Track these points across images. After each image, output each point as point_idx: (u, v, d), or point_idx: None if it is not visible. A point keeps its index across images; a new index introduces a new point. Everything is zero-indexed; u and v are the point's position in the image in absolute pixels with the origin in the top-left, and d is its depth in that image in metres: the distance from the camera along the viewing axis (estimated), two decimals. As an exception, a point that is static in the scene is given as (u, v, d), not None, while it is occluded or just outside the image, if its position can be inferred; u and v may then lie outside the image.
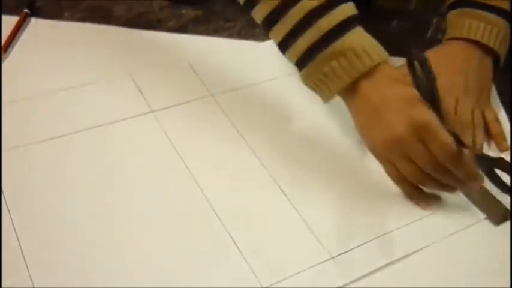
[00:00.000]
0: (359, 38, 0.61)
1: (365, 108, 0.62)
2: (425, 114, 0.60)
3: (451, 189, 0.64)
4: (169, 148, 0.68)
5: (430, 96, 0.61)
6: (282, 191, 0.65)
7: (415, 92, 0.61)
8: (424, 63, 0.59)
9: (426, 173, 0.61)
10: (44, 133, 0.67)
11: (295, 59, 0.62)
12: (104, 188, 0.63)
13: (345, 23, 0.60)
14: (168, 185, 0.64)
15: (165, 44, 0.81)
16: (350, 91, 0.62)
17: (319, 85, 0.62)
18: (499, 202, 0.66)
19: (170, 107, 0.72)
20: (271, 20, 0.62)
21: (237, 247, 0.59)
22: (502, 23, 0.73)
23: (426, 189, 0.65)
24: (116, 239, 0.59)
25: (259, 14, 0.63)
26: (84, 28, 0.82)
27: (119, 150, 0.67)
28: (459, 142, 0.61)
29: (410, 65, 0.61)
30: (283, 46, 0.63)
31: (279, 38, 0.63)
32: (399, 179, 0.63)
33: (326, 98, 0.64)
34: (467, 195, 0.65)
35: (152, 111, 0.71)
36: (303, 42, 0.61)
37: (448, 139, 0.59)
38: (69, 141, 0.67)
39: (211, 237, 0.60)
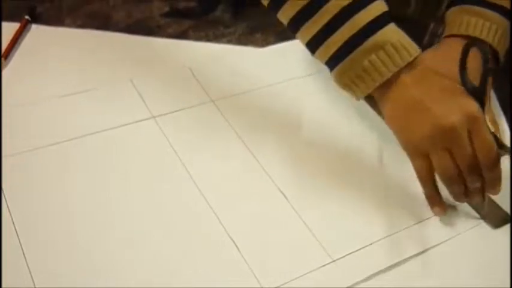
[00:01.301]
0: (395, 33, 0.61)
1: (404, 101, 0.61)
2: (476, 106, 0.59)
3: (466, 197, 0.63)
4: (170, 153, 0.68)
5: (478, 92, 0.60)
6: (283, 194, 0.65)
7: (460, 86, 0.61)
8: (486, 57, 0.58)
9: (458, 171, 0.60)
10: (45, 139, 0.67)
11: (328, 55, 0.61)
12: (105, 193, 0.63)
13: (380, 18, 0.60)
14: (169, 190, 0.64)
15: (165, 50, 0.82)
16: (387, 85, 0.61)
17: (356, 81, 0.62)
18: (497, 205, 0.66)
19: (171, 112, 0.72)
20: (301, 18, 0.61)
21: (239, 251, 0.59)
22: (501, 20, 0.72)
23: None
24: (116, 243, 0.59)
25: (286, 13, 0.62)
26: (85, 34, 0.82)
27: (120, 155, 0.67)
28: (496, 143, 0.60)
29: (464, 57, 0.61)
30: (314, 44, 0.62)
31: (309, 36, 0.62)
32: (427, 176, 0.62)
33: (361, 94, 0.63)
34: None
35: (153, 117, 0.72)
36: (338, 38, 0.60)
37: (491, 137, 0.59)
38: (70, 147, 0.67)
39: (212, 241, 0.60)
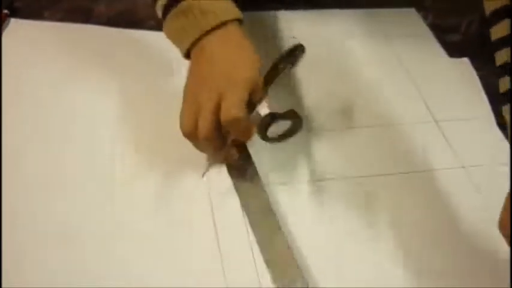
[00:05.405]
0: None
1: (201, 60, 0.63)
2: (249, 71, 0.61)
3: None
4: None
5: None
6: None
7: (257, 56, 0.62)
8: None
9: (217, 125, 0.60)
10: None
11: (160, 13, 0.65)
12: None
13: None
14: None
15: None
16: (197, 46, 0.63)
17: (178, 38, 0.65)
18: None
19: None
20: None
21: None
22: None
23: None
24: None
25: None
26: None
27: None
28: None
29: None
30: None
31: None
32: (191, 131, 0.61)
33: (182, 51, 0.65)
34: None
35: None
36: (161, 2, 0.65)
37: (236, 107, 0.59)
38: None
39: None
